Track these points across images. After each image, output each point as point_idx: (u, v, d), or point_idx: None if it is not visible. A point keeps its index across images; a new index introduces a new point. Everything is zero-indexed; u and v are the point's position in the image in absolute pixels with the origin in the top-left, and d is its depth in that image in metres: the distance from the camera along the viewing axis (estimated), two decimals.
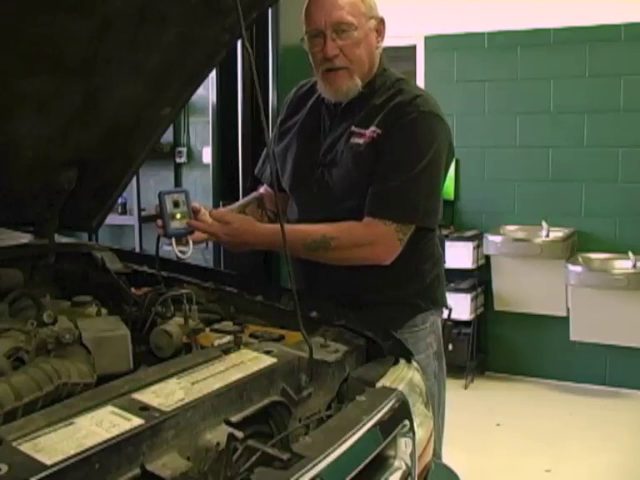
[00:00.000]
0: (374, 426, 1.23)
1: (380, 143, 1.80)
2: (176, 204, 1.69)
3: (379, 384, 1.39)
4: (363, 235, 1.80)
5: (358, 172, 1.82)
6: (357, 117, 1.85)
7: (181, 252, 1.72)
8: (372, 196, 1.80)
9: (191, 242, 1.73)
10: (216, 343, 1.40)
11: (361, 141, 1.82)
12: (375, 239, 1.79)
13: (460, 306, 4.51)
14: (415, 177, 1.78)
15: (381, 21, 1.87)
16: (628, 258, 4.34)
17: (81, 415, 1.00)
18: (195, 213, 1.75)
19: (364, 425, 1.20)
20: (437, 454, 1.81)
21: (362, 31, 1.80)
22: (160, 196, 1.68)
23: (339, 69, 1.82)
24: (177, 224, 1.69)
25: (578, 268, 4.36)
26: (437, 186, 1.86)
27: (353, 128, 1.84)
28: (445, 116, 1.87)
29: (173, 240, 1.71)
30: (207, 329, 1.51)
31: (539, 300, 4.62)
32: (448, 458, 1.95)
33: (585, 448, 3.77)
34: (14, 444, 0.91)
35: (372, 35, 1.85)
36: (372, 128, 1.81)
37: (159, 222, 1.70)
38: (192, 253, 1.74)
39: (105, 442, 0.93)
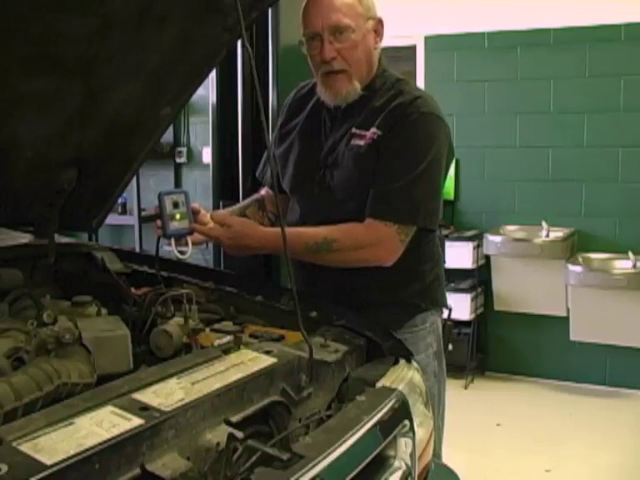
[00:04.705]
0: (374, 426, 1.23)
1: (381, 144, 1.80)
2: (175, 205, 1.69)
3: (379, 384, 1.39)
4: (365, 237, 1.80)
5: (359, 173, 1.82)
6: (358, 119, 1.85)
7: (180, 252, 1.72)
8: (373, 197, 1.80)
9: (190, 242, 1.73)
10: (216, 343, 1.40)
11: (362, 142, 1.82)
12: (377, 240, 1.79)
13: (460, 306, 4.50)
14: (416, 178, 1.78)
15: (379, 22, 1.86)
16: (628, 258, 4.34)
17: (81, 415, 1.00)
18: (194, 214, 1.75)
19: (364, 425, 1.20)
20: (437, 454, 1.81)
21: (360, 33, 1.80)
22: (160, 197, 1.68)
23: (338, 72, 1.82)
24: (176, 225, 1.69)
25: (578, 268, 4.36)
26: (438, 187, 1.86)
27: (354, 130, 1.84)
28: (445, 117, 1.87)
29: (172, 240, 1.71)
30: (207, 329, 1.51)
31: (539, 300, 4.62)
32: (448, 458, 1.94)
33: (585, 448, 3.77)
34: (14, 444, 0.91)
35: (370, 36, 1.84)
36: (373, 130, 1.81)
37: (158, 222, 1.70)
38: (192, 253, 1.74)
39: (105, 442, 0.93)
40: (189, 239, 1.73)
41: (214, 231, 1.78)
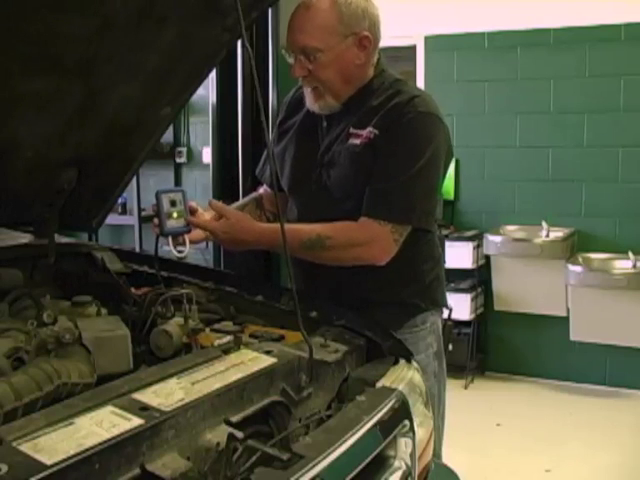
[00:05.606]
0: (374, 426, 1.23)
1: (377, 144, 1.80)
2: (173, 203, 1.69)
3: (379, 384, 1.39)
4: (358, 235, 1.80)
5: (355, 173, 1.82)
6: (355, 118, 1.85)
7: (178, 251, 1.72)
8: (369, 196, 1.80)
9: (188, 241, 1.73)
10: (216, 343, 1.40)
11: (358, 142, 1.82)
12: (370, 239, 1.79)
13: (460, 306, 4.50)
14: (412, 178, 1.78)
15: (365, 37, 1.81)
16: (628, 258, 4.34)
17: (81, 415, 1.00)
18: (192, 213, 1.75)
19: (364, 425, 1.20)
20: (437, 454, 1.81)
21: (332, 53, 1.78)
22: (157, 195, 1.68)
23: (310, 87, 1.84)
24: (174, 223, 1.69)
25: (578, 268, 4.36)
26: (434, 187, 1.85)
27: (351, 129, 1.84)
28: (444, 117, 1.86)
29: (170, 239, 1.70)
30: (207, 329, 1.51)
31: (539, 300, 4.62)
32: (448, 458, 1.95)
33: (585, 448, 3.77)
34: (14, 444, 0.91)
35: (350, 52, 1.81)
36: (369, 129, 1.81)
37: (155, 221, 1.70)
38: (192, 253, 1.74)
39: (105, 442, 0.93)
40: (187, 238, 1.73)
41: (210, 224, 1.78)
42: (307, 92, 1.88)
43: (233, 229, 1.78)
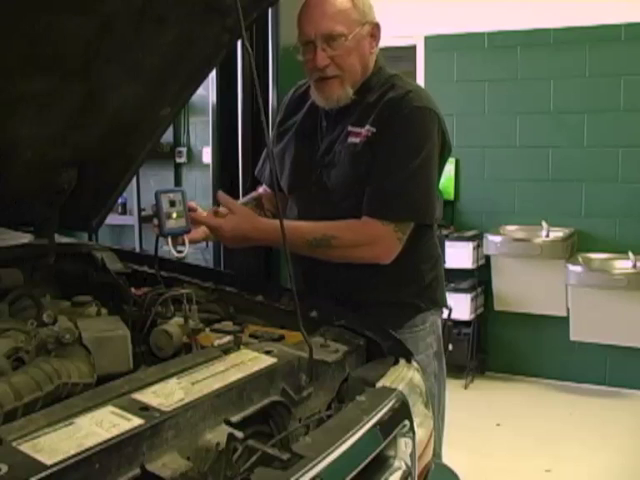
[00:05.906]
0: (374, 426, 1.23)
1: (375, 141, 1.80)
2: (172, 203, 1.69)
3: (379, 384, 1.39)
4: (362, 235, 1.80)
5: (355, 172, 1.82)
6: (353, 116, 1.85)
7: (178, 251, 1.72)
8: (369, 196, 1.80)
9: (187, 241, 1.73)
10: (216, 343, 1.40)
11: (357, 140, 1.82)
12: (374, 239, 1.79)
13: (460, 306, 4.51)
14: (411, 175, 1.78)
15: (376, 25, 1.84)
16: (628, 258, 4.34)
17: (81, 415, 1.00)
18: (191, 212, 1.75)
19: (364, 425, 1.20)
20: (437, 454, 1.81)
21: (354, 39, 1.78)
22: (156, 195, 1.68)
23: (331, 77, 1.82)
24: (173, 223, 1.69)
25: (578, 268, 4.36)
26: (433, 181, 1.85)
27: (350, 128, 1.84)
28: (438, 108, 1.85)
29: (169, 239, 1.70)
30: (207, 329, 1.51)
31: (539, 300, 4.62)
32: (448, 458, 1.94)
33: (585, 448, 3.77)
34: (14, 444, 0.91)
35: (366, 41, 1.83)
36: (367, 127, 1.81)
37: (155, 221, 1.70)
38: (192, 253, 1.73)
39: (105, 442, 0.93)
40: (186, 238, 1.73)
41: (214, 220, 1.78)
42: (319, 87, 1.85)
43: (238, 225, 1.78)
